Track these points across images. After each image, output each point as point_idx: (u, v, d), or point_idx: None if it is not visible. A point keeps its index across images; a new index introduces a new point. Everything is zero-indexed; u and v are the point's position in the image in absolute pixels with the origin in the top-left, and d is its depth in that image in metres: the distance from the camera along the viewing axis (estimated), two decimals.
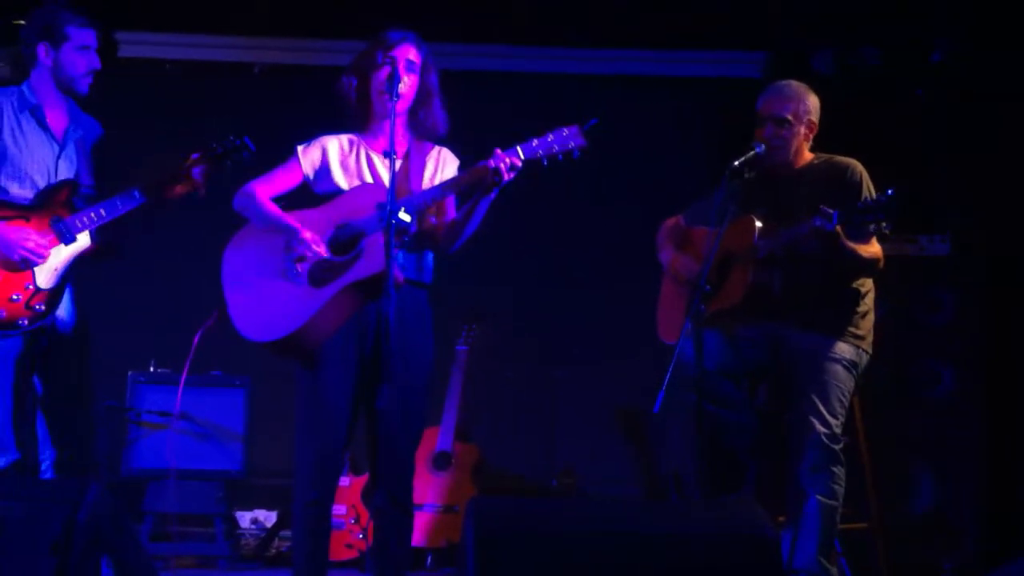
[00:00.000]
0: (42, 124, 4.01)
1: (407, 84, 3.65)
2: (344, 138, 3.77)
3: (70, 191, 3.96)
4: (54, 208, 3.92)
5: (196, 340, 4.84)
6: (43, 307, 3.85)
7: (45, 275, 3.87)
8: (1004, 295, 5.18)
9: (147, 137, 4.98)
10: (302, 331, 3.50)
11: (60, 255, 3.90)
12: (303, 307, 3.50)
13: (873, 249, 3.99)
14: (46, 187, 3.96)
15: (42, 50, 4.00)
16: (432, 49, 3.76)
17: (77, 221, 3.90)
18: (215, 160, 3.97)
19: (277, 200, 3.70)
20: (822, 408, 3.93)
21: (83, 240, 3.92)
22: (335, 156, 3.73)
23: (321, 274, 3.52)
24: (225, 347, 4.12)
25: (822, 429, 3.91)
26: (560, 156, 3.50)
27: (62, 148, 4.03)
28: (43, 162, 3.99)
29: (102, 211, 3.90)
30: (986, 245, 5.18)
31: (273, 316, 3.53)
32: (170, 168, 3.96)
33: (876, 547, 4.47)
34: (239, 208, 3.70)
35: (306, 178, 3.74)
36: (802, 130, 4.13)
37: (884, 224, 3.84)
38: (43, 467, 3.96)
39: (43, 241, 3.86)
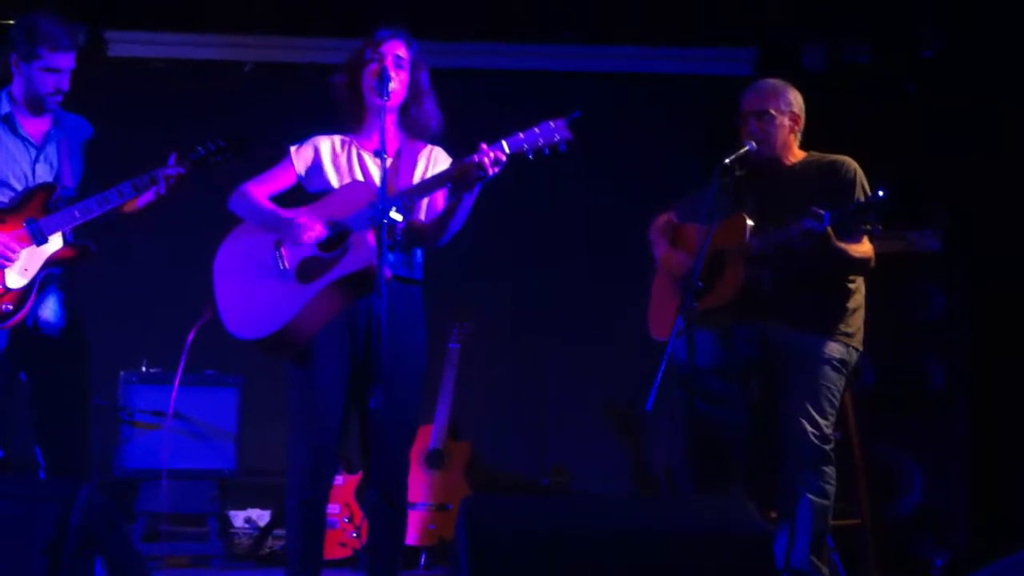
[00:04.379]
0: (15, 131, 4.01)
1: (397, 81, 3.64)
2: (336, 138, 3.77)
3: (47, 194, 3.96)
4: (30, 211, 3.92)
5: (189, 339, 4.84)
6: (11, 307, 3.85)
7: (14, 276, 3.87)
8: (993, 291, 5.19)
9: (137, 136, 4.97)
10: (288, 328, 3.49)
11: (32, 256, 3.90)
12: (290, 304, 3.49)
13: (864, 248, 3.98)
14: (24, 190, 3.96)
15: (13, 61, 3.99)
16: (422, 47, 3.76)
17: (50, 223, 3.90)
18: (195, 164, 3.96)
19: (271, 200, 3.70)
20: (811, 410, 3.92)
21: (55, 242, 3.92)
22: (327, 155, 3.73)
23: (308, 271, 3.52)
24: (218, 346, 4.11)
25: (811, 430, 3.90)
26: (546, 149, 3.45)
27: (39, 151, 4.02)
28: (19, 168, 3.99)
29: (76, 213, 3.91)
30: (976, 242, 5.19)
31: (260, 313, 3.53)
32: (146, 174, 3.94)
33: (867, 543, 4.48)
34: (234, 208, 3.71)
35: (299, 177, 3.74)
36: (786, 122, 4.11)
37: (874, 225, 3.82)
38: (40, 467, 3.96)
39: (13, 242, 3.86)
